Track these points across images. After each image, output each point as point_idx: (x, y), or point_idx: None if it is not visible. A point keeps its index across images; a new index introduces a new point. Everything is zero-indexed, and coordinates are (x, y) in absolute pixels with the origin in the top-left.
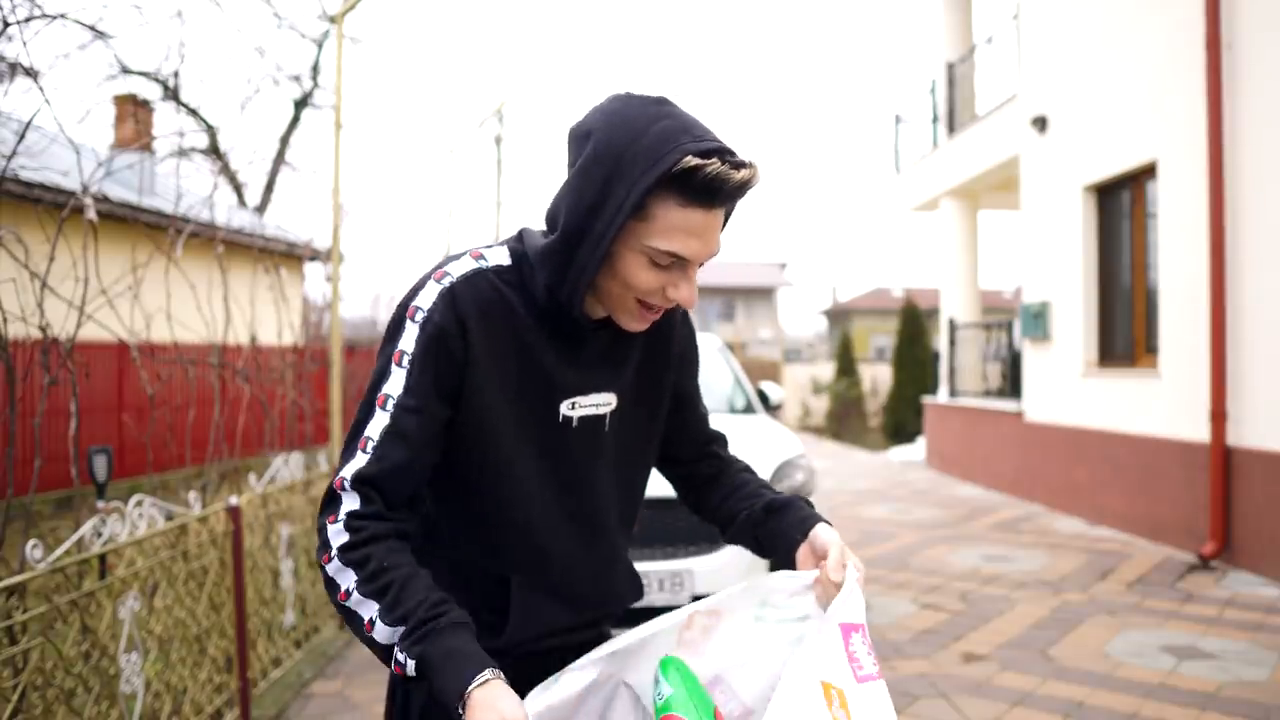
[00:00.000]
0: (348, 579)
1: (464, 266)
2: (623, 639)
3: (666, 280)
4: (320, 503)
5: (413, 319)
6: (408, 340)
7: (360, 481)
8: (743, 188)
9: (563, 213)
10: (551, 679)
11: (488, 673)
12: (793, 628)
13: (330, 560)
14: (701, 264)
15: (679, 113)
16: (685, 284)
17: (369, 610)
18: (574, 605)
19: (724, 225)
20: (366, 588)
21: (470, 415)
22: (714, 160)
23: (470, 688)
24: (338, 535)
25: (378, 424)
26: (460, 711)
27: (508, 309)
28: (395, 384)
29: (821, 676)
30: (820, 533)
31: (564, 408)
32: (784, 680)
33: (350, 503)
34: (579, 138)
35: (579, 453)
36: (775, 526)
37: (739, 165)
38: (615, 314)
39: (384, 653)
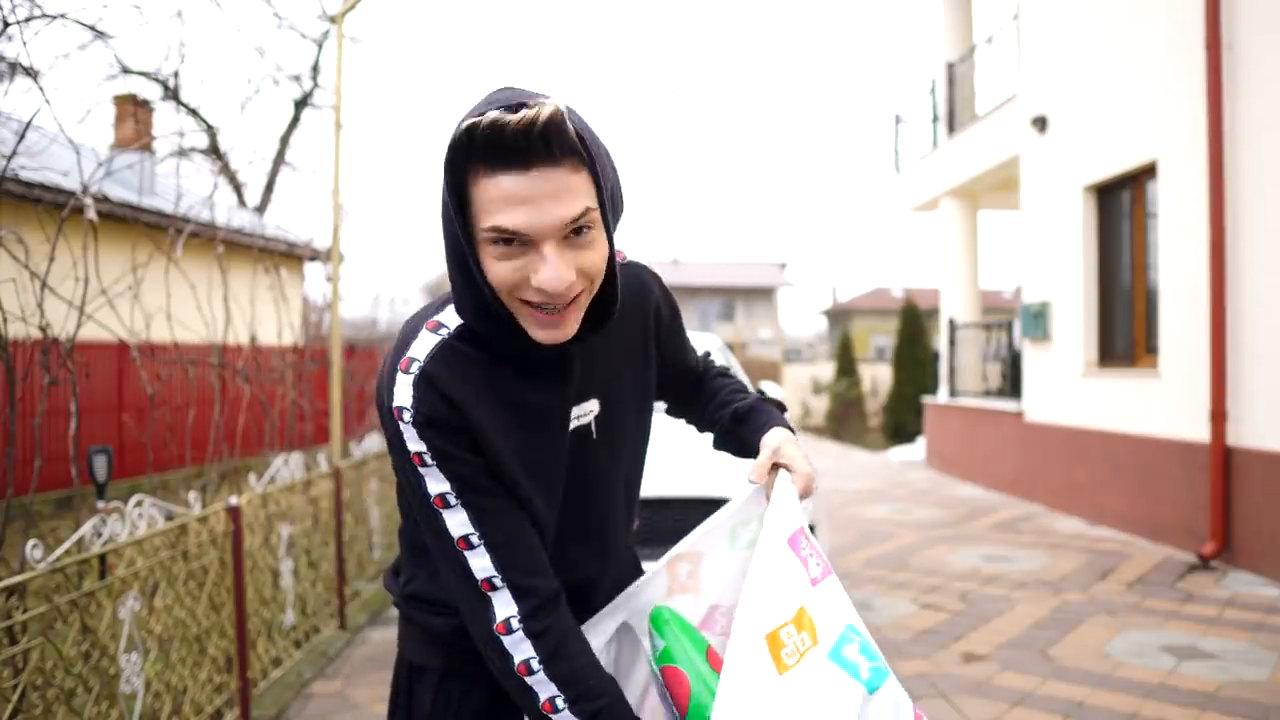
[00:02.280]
0: (549, 690)
1: (426, 344)
2: (620, 596)
3: (524, 268)
4: (467, 615)
5: (402, 420)
6: (413, 442)
7: (504, 575)
8: (530, 131)
9: (446, 253)
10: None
11: None
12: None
13: (531, 673)
14: (563, 239)
15: (505, 90)
16: (542, 265)
17: None
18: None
19: (598, 188)
20: (579, 708)
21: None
22: (489, 112)
23: None
24: (520, 645)
25: (458, 520)
26: None
27: (480, 368)
28: (436, 483)
29: (765, 628)
30: (766, 439)
31: (575, 416)
32: (732, 636)
33: (506, 602)
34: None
35: (576, 472)
36: (742, 434)
37: (519, 109)
38: (524, 326)
39: None
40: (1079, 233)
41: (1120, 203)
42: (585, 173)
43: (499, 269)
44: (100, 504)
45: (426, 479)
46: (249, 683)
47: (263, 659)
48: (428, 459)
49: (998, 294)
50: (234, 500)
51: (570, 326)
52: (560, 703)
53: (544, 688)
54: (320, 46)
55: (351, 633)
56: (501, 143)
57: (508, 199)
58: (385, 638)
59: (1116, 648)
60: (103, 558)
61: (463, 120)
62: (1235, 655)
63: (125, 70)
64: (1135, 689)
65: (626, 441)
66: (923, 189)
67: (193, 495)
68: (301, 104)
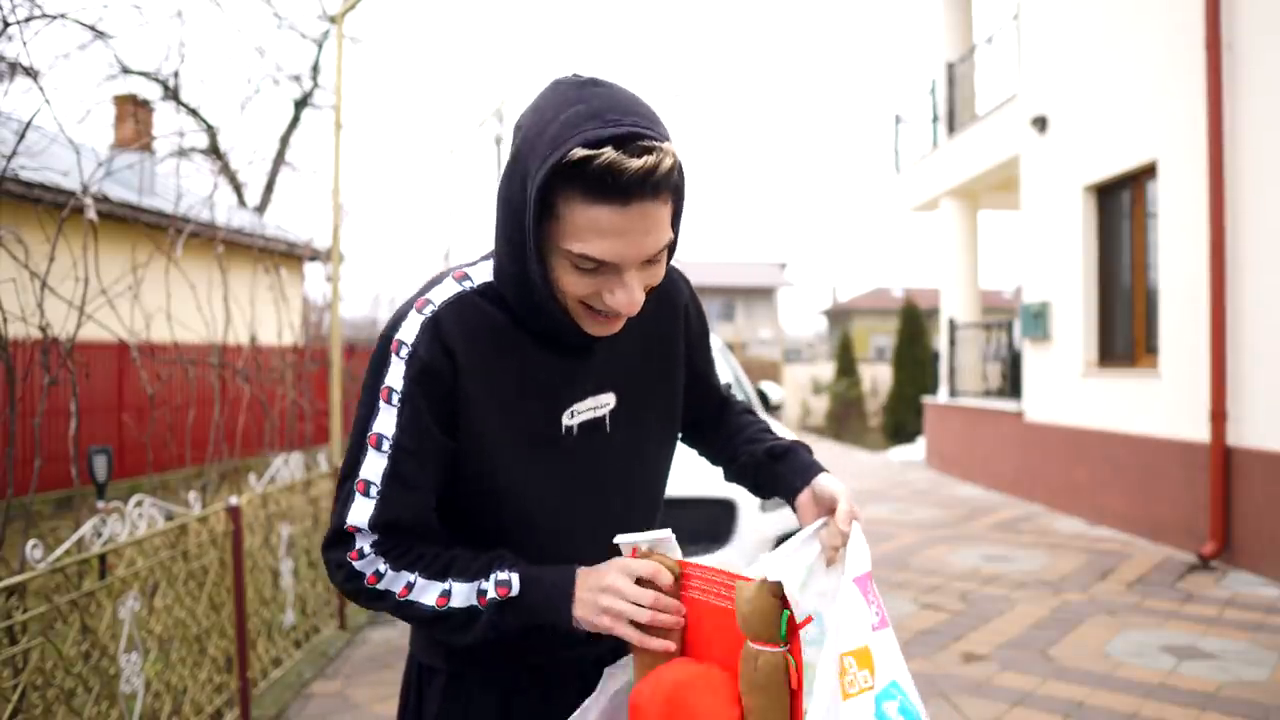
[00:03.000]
0: (401, 580)
1: (446, 291)
2: None
3: (599, 285)
4: (325, 542)
5: (398, 354)
6: (394, 377)
7: (374, 527)
8: (647, 178)
9: (498, 222)
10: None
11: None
12: (808, 581)
13: (378, 580)
14: (641, 264)
15: (600, 94)
16: (621, 289)
17: (438, 586)
18: None
19: (675, 218)
20: (428, 572)
21: (469, 443)
22: (606, 149)
23: (575, 571)
24: (373, 562)
25: (375, 466)
26: (570, 606)
27: (496, 330)
28: (387, 422)
29: (840, 649)
30: (824, 482)
31: (564, 418)
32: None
33: (368, 540)
34: (514, 132)
35: (583, 462)
36: (778, 470)
37: (639, 152)
38: (576, 318)
39: (465, 614)
40: (1079, 233)
41: (1120, 203)
42: (669, 203)
43: (575, 282)
44: (100, 504)
45: (380, 414)
46: (249, 683)
47: (263, 659)
48: (395, 399)
49: (998, 294)
50: (234, 500)
51: (618, 324)
52: (415, 578)
53: (397, 580)
54: (320, 46)
55: (351, 633)
56: (607, 181)
57: (601, 231)
58: (385, 638)
59: (1116, 648)
60: (103, 558)
61: (569, 139)
62: (1235, 655)
63: (125, 70)
64: (1135, 689)
65: (644, 441)
66: (923, 189)
67: (193, 495)
68: (301, 104)
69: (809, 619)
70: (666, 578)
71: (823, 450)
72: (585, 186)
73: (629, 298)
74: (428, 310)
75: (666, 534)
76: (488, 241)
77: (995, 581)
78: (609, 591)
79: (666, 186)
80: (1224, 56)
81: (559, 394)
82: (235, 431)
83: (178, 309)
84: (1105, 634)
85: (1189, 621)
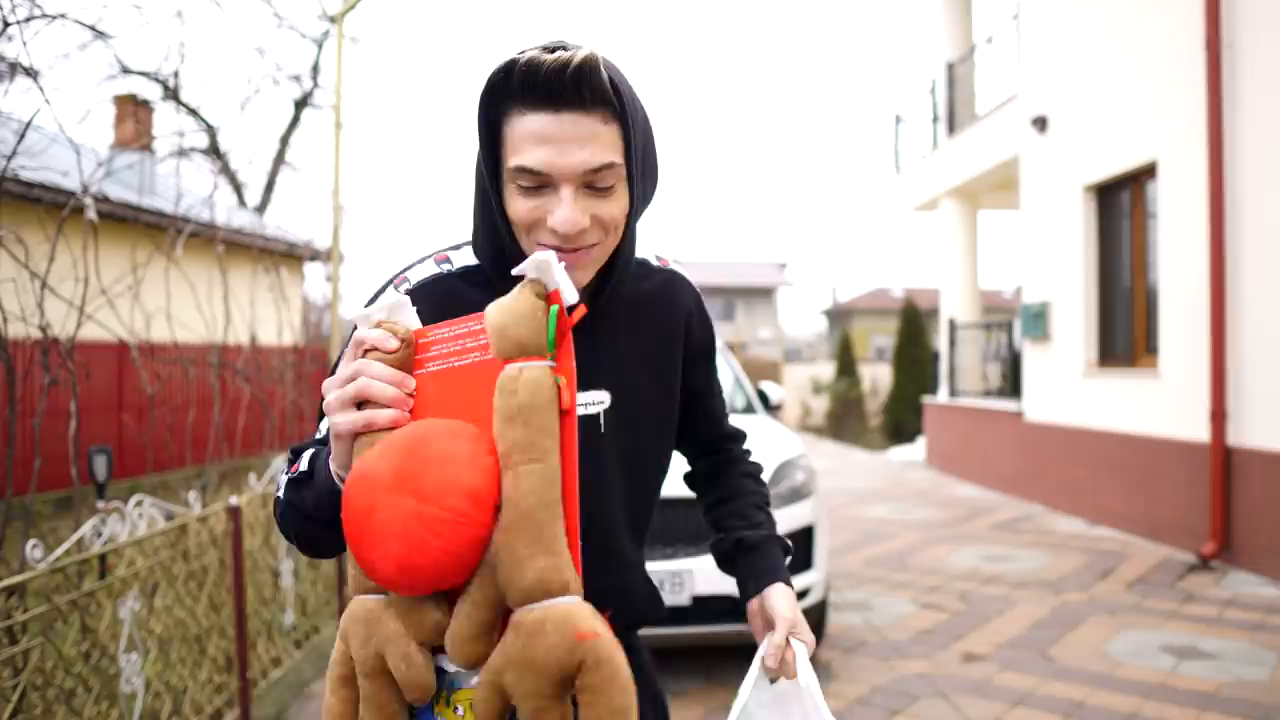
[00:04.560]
0: (281, 484)
1: (424, 271)
2: None
3: (542, 207)
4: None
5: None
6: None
7: (309, 459)
8: (567, 77)
9: (474, 191)
10: None
11: None
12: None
13: (280, 489)
14: (582, 186)
15: (553, 41)
16: (558, 206)
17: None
18: None
19: (627, 149)
20: (294, 468)
21: None
22: (526, 52)
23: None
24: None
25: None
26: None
27: (472, 310)
28: None
29: None
30: (773, 601)
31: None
32: None
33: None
34: None
35: (586, 459)
36: (740, 566)
37: (554, 49)
38: None
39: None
40: (1079, 233)
41: (1120, 203)
42: (615, 125)
43: (518, 206)
44: (100, 504)
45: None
46: (249, 683)
47: (263, 659)
48: None
49: (998, 294)
50: (234, 500)
51: (582, 273)
52: (281, 479)
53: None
54: (320, 46)
55: None
56: (535, 82)
57: (534, 138)
58: None
59: (1116, 648)
60: (103, 558)
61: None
62: (1235, 655)
63: (125, 70)
64: (1135, 689)
65: (639, 444)
66: (923, 189)
67: (193, 495)
68: (301, 104)
69: (583, 309)
70: (391, 343)
71: (823, 450)
72: (519, 97)
73: (566, 215)
74: (403, 288)
75: (401, 299)
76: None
77: (995, 581)
78: (332, 383)
79: (602, 100)
80: (1224, 56)
81: None
82: (235, 431)
83: (178, 309)
84: (1105, 634)
85: (1189, 621)
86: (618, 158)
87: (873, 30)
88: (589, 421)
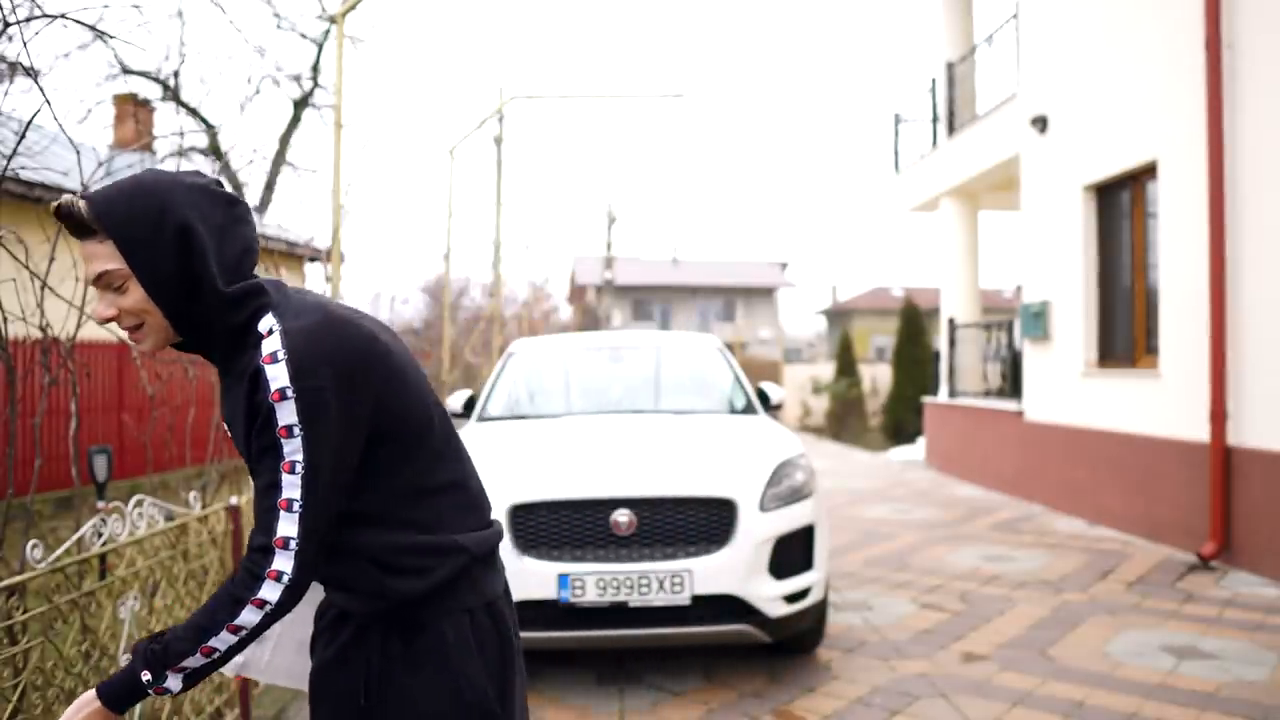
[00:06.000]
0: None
1: None
2: None
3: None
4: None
5: None
6: None
7: None
8: (59, 218)
9: None
10: None
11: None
12: None
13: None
14: (98, 286)
15: None
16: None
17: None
18: None
19: (130, 256)
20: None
21: None
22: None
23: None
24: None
25: None
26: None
27: None
28: None
29: None
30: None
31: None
32: None
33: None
34: None
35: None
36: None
37: (60, 202)
38: None
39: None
40: (1079, 233)
41: (1120, 203)
42: (111, 245)
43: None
44: (100, 504)
45: None
46: (249, 683)
47: None
48: None
49: (998, 294)
50: (234, 500)
51: (145, 344)
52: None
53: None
54: (320, 46)
55: None
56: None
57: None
58: None
59: (1116, 648)
60: (103, 558)
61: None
62: (1235, 655)
63: (125, 70)
64: (1135, 689)
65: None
66: (923, 189)
67: (193, 495)
68: (301, 104)
69: None
70: None
71: (823, 450)
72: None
73: (96, 309)
74: None
75: None
76: (482, 240)
77: (995, 581)
78: None
79: (91, 230)
80: (1224, 56)
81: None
82: None
83: None
84: (1105, 634)
85: (1189, 621)
86: (113, 264)
87: (873, 30)
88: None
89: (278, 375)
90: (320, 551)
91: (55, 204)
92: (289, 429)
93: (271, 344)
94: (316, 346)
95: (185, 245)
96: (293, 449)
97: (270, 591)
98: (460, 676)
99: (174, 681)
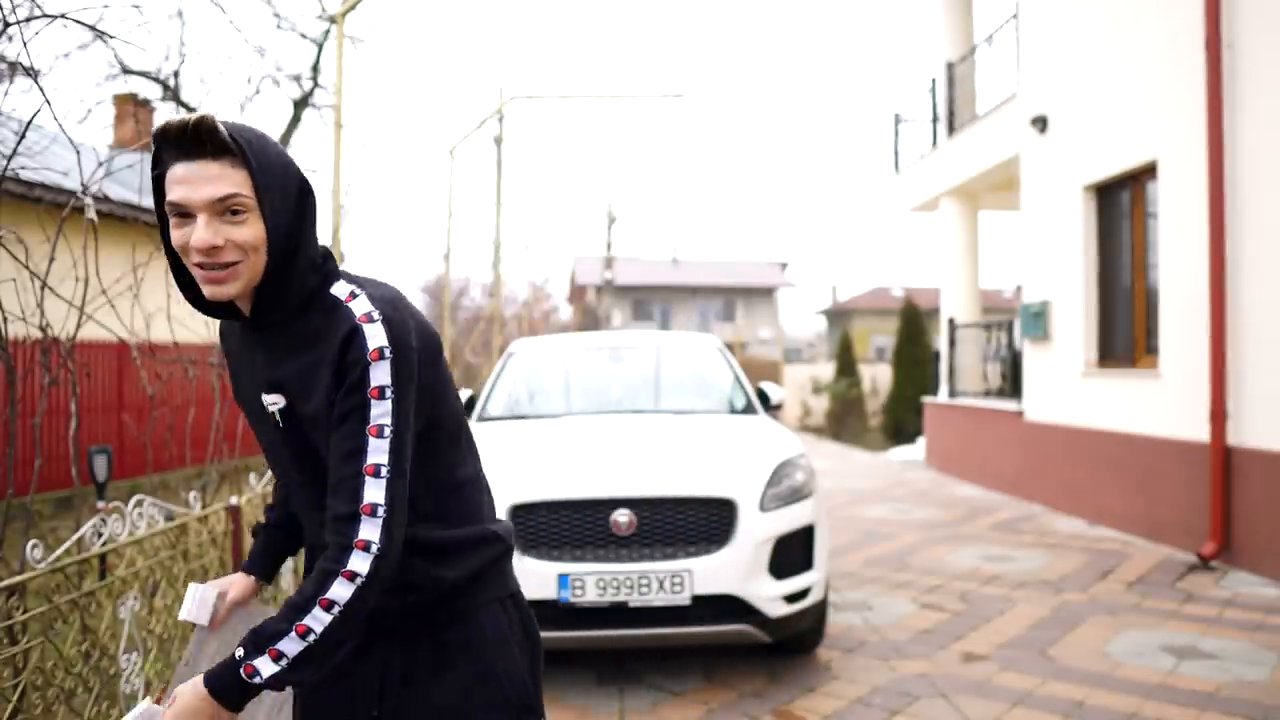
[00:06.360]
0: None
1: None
2: None
3: (187, 233)
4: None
5: None
6: None
7: None
8: (181, 131)
9: None
10: None
11: None
12: None
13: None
14: (212, 211)
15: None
16: (194, 230)
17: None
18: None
19: (257, 184)
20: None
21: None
22: (165, 121)
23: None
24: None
25: None
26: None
27: (230, 325)
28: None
29: None
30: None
31: (268, 404)
32: None
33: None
34: None
35: (279, 447)
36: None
37: (180, 117)
38: (200, 283)
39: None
40: (1079, 233)
41: (1120, 203)
42: (244, 170)
43: (176, 236)
44: (100, 504)
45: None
46: None
47: None
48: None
49: (998, 294)
50: (234, 500)
51: (229, 287)
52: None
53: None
54: (320, 46)
55: None
56: (162, 142)
57: (174, 182)
58: None
59: (1116, 648)
60: (103, 558)
61: None
62: (1235, 655)
63: (125, 70)
64: (1135, 689)
65: (306, 446)
66: (923, 189)
67: (193, 495)
68: (301, 104)
69: None
70: None
71: (823, 450)
72: (164, 156)
73: (199, 235)
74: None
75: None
76: (482, 240)
77: (995, 581)
78: None
79: (225, 150)
80: (1224, 56)
81: (257, 381)
82: (235, 431)
83: (178, 309)
84: (1105, 634)
85: (1189, 621)
86: (244, 190)
87: (873, 30)
88: (273, 418)
89: (376, 334)
90: (403, 526)
91: (199, 115)
92: (381, 390)
93: (363, 305)
94: (407, 314)
95: (302, 204)
96: (381, 412)
97: (359, 562)
98: (499, 668)
99: (264, 664)
